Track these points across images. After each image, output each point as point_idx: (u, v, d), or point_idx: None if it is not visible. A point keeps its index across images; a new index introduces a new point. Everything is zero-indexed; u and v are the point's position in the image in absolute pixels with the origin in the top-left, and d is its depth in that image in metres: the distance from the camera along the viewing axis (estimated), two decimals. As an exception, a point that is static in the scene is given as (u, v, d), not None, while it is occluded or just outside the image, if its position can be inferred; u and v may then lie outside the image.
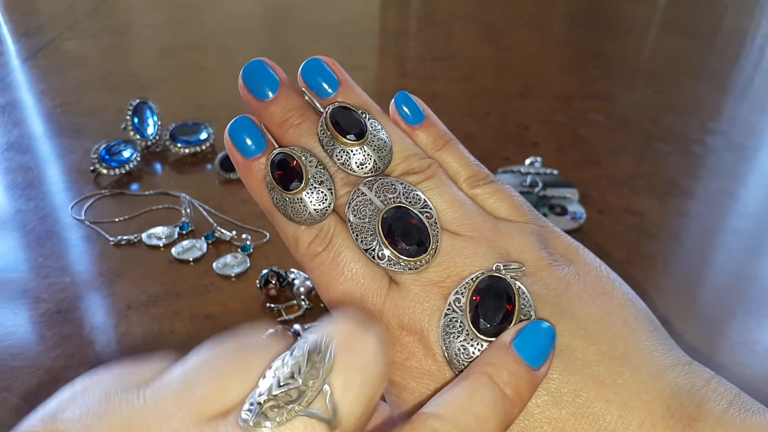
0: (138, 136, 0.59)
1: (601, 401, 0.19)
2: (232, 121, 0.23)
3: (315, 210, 0.23)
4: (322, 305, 0.40)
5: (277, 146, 0.23)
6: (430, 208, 0.23)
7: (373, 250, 0.22)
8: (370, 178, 0.23)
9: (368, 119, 0.24)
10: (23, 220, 0.49)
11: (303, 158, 0.23)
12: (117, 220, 0.49)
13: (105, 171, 0.55)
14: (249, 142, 0.23)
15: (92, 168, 0.55)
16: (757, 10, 1.26)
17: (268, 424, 0.14)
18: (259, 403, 0.15)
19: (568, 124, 0.70)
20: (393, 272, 0.22)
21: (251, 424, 0.14)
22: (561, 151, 0.63)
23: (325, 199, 0.23)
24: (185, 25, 1.03)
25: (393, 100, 0.26)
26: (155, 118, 0.60)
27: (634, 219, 0.52)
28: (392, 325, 0.21)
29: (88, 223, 0.49)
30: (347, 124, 0.23)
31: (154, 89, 0.76)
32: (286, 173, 0.22)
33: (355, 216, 0.23)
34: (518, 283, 0.21)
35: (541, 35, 1.06)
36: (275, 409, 0.14)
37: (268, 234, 0.48)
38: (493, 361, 0.19)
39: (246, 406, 0.15)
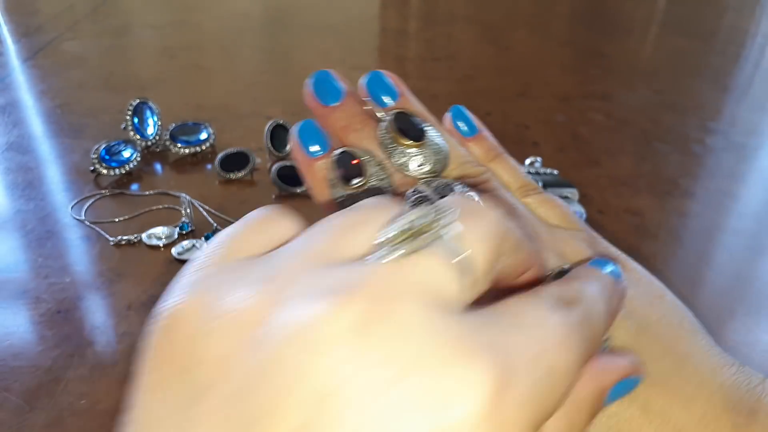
0: (138, 136, 0.59)
1: (666, 396, 0.20)
2: (298, 123, 0.25)
3: None
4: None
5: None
6: None
7: None
8: (427, 179, 0.24)
9: (426, 126, 0.25)
10: (23, 220, 0.49)
11: (364, 157, 0.24)
12: (117, 220, 0.49)
13: (105, 171, 0.55)
14: (313, 142, 0.25)
15: (92, 168, 0.55)
16: (757, 9, 1.26)
17: (396, 253, 0.14)
18: (385, 241, 0.15)
19: (568, 124, 0.70)
20: None
21: (378, 258, 0.14)
22: (561, 151, 0.63)
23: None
24: (185, 25, 1.03)
25: (449, 114, 0.27)
26: (155, 118, 0.60)
27: (634, 219, 0.52)
28: None
29: (88, 223, 0.49)
30: (407, 127, 0.25)
31: (154, 89, 0.76)
32: (348, 170, 0.24)
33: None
34: None
35: (541, 35, 1.06)
36: (402, 242, 0.14)
37: (268, 234, 0.48)
38: (581, 273, 0.19)
39: (373, 251, 0.15)
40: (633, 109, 0.75)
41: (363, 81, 0.26)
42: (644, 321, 0.22)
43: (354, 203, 0.23)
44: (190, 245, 0.46)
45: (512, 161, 0.27)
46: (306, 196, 0.54)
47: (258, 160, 0.57)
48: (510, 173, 0.27)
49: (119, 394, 0.33)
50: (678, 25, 1.14)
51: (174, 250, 0.45)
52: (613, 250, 0.25)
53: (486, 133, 0.28)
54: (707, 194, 0.57)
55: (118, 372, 0.35)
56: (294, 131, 0.25)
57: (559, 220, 0.25)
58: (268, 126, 0.58)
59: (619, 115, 0.73)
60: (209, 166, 0.58)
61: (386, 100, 0.26)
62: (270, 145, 0.58)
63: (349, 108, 0.25)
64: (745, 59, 0.97)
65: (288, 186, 0.54)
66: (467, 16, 1.16)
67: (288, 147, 0.59)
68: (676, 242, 0.49)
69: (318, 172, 0.24)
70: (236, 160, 0.57)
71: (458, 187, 0.24)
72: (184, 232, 0.48)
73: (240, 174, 0.56)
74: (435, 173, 0.25)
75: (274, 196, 0.54)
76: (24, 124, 0.66)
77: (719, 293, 0.43)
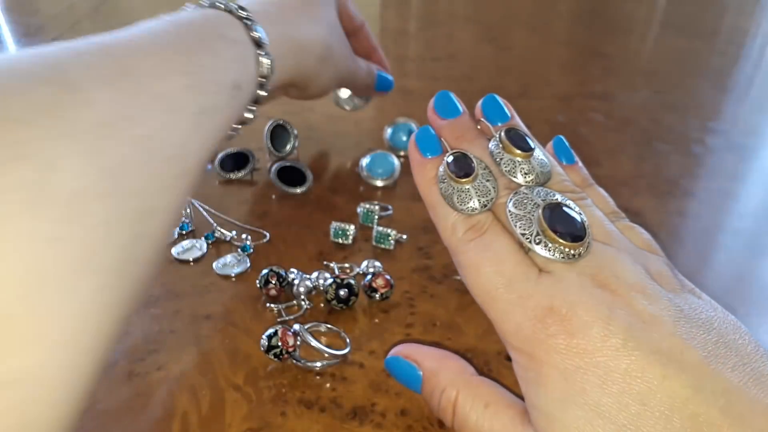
0: (138, 136, 0.58)
1: (746, 403, 0.21)
2: (418, 129, 0.29)
3: (478, 200, 0.26)
4: (322, 305, 0.40)
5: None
6: (584, 216, 0.26)
7: (531, 235, 0.24)
8: (531, 185, 0.27)
9: (533, 143, 0.29)
10: (23, 220, 0.49)
11: (475, 160, 0.27)
12: (117, 220, 0.49)
13: (105, 171, 0.54)
14: (428, 145, 0.29)
15: (92, 168, 0.55)
16: (757, 9, 1.26)
17: None
18: None
19: (568, 124, 0.70)
20: (546, 260, 0.24)
21: None
22: (561, 151, 0.63)
23: (489, 194, 0.26)
24: (185, 25, 1.03)
25: (552, 144, 0.32)
26: (155, 118, 0.60)
27: (634, 219, 0.52)
28: (541, 306, 0.23)
29: (88, 223, 0.49)
30: (517, 140, 0.28)
31: (154, 89, 0.76)
32: (459, 166, 0.27)
33: (515, 207, 0.26)
34: None
35: (541, 35, 1.06)
36: None
37: (268, 234, 0.48)
38: None
39: None
40: (633, 109, 0.75)
41: (480, 103, 0.31)
42: (724, 337, 0.23)
43: (460, 197, 0.27)
44: (190, 245, 0.46)
45: (602, 191, 0.31)
46: (306, 196, 0.54)
47: (258, 160, 0.57)
48: (601, 202, 0.30)
49: (119, 394, 0.33)
50: (678, 25, 1.14)
51: (174, 250, 0.45)
52: (689, 283, 0.27)
53: (581, 164, 0.32)
54: (708, 194, 0.57)
55: (118, 372, 0.35)
56: (414, 135, 0.29)
57: (643, 246, 0.27)
58: (268, 126, 0.58)
59: (619, 115, 0.73)
60: (209, 166, 0.58)
61: (497, 120, 0.30)
62: (270, 145, 0.58)
63: (465, 122, 0.30)
64: (745, 59, 0.97)
65: (288, 186, 0.54)
66: (467, 16, 1.16)
67: (288, 147, 0.59)
68: (676, 242, 0.49)
69: (429, 171, 0.28)
70: (236, 160, 0.57)
71: (559, 196, 0.26)
72: (184, 232, 0.48)
73: (240, 174, 0.56)
74: (539, 183, 0.27)
75: (274, 196, 0.54)
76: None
77: (719, 293, 0.43)
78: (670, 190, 0.57)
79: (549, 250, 0.24)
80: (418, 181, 0.28)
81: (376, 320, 0.39)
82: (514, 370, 0.24)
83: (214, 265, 0.44)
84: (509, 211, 0.25)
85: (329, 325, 0.38)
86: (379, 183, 0.55)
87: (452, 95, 0.31)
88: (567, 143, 0.32)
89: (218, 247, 0.47)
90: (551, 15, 1.20)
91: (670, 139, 0.67)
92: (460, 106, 0.31)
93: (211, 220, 0.49)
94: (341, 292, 0.39)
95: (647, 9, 1.24)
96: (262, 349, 0.35)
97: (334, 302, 0.39)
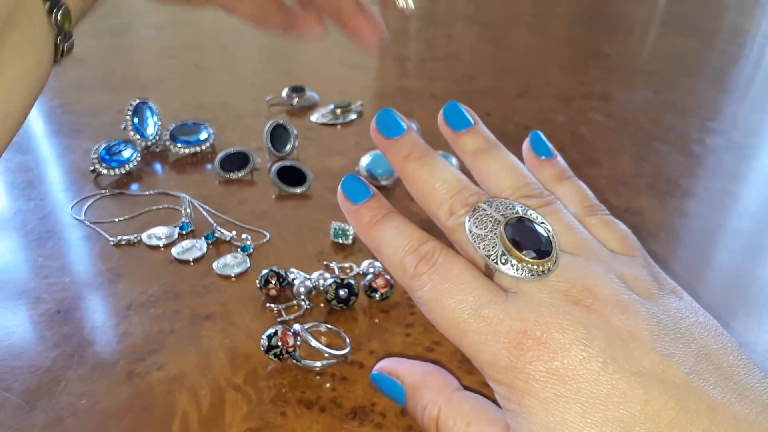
0: (138, 136, 0.59)
1: (730, 420, 0.20)
2: (343, 178, 0.28)
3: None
4: (322, 305, 0.40)
5: (382, 197, 0.28)
6: (548, 226, 0.25)
7: (496, 255, 0.23)
8: (488, 199, 0.25)
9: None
10: (23, 220, 0.49)
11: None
12: (117, 220, 0.49)
13: (105, 171, 0.55)
14: (356, 192, 0.27)
15: (92, 168, 0.55)
16: (757, 9, 1.26)
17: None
18: None
19: (568, 124, 0.70)
20: (515, 280, 0.23)
21: None
22: (561, 151, 0.62)
23: None
24: (185, 25, 1.03)
25: (528, 139, 0.32)
26: (155, 118, 0.60)
27: (634, 219, 0.52)
28: (514, 331, 0.22)
29: (88, 223, 0.49)
30: None
31: (154, 89, 0.76)
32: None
33: (476, 227, 0.24)
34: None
35: (541, 35, 1.06)
36: None
37: (268, 234, 0.48)
38: None
39: None
40: (633, 109, 0.75)
41: (441, 112, 0.30)
42: (705, 349, 0.22)
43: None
44: (190, 245, 0.46)
45: (581, 184, 0.30)
46: (306, 196, 0.54)
47: (258, 160, 0.57)
48: (579, 194, 0.29)
49: (119, 394, 0.33)
50: (678, 25, 1.14)
51: (174, 250, 0.45)
52: (670, 281, 0.26)
53: (560, 158, 0.31)
54: (708, 194, 0.57)
55: (118, 372, 0.35)
56: (340, 186, 0.28)
57: (620, 244, 0.26)
58: (268, 126, 0.58)
59: (619, 115, 0.73)
60: (209, 166, 0.58)
61: (461, 127, 0.30)
62: (270, 145, 0.58)
63: (410, 140, 0.28)
64: (745, 59, 0.97)
65: (288, 186, 0.54)
66: (467, 16, 1.16)
67: (288, 147, 0.59)
68: (677, 242, 0.49)
69: (364, 216, 0.27)
70: (236, 160, 0.57)
71: (519, 207, 0.25)
72: (184, 232, 0.48)
73: (240, 174, 0.56)
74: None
75: (274, 196, 0.54)
76: (24, 124, 0.65)
77: (720, 293, 0.43)
78: (670, 190, 0.57)
79: (516, 269, 0.23)
80: (356, 228, 0.27)
81: (376, 320, 0.39)
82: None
83: (214, 265, 0.44)
84: (470, 231, 0.24)
85: (329, 325, 0.38)
86: (380, 183, 0.55)
87: (394, 112, 0.29)
88: (544, 137, 0.31)
89: (218, 247, 0.47)
90: (551, 15, 1.20)
91: (670, 139, 0.67)
92: (404, 123, 0.29)
93: (211, 220, 0.49)
94: (341, 292, 0.39)
95: (647, 9, 1.24)
96: (262, 349, 0.35)
97: (334, 302, 0.39)
